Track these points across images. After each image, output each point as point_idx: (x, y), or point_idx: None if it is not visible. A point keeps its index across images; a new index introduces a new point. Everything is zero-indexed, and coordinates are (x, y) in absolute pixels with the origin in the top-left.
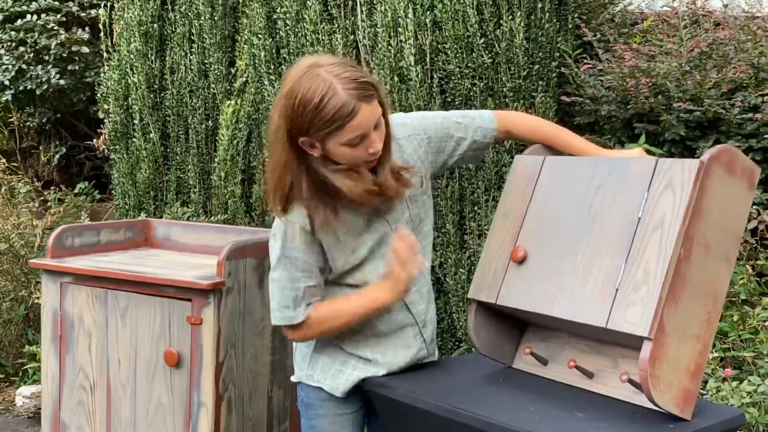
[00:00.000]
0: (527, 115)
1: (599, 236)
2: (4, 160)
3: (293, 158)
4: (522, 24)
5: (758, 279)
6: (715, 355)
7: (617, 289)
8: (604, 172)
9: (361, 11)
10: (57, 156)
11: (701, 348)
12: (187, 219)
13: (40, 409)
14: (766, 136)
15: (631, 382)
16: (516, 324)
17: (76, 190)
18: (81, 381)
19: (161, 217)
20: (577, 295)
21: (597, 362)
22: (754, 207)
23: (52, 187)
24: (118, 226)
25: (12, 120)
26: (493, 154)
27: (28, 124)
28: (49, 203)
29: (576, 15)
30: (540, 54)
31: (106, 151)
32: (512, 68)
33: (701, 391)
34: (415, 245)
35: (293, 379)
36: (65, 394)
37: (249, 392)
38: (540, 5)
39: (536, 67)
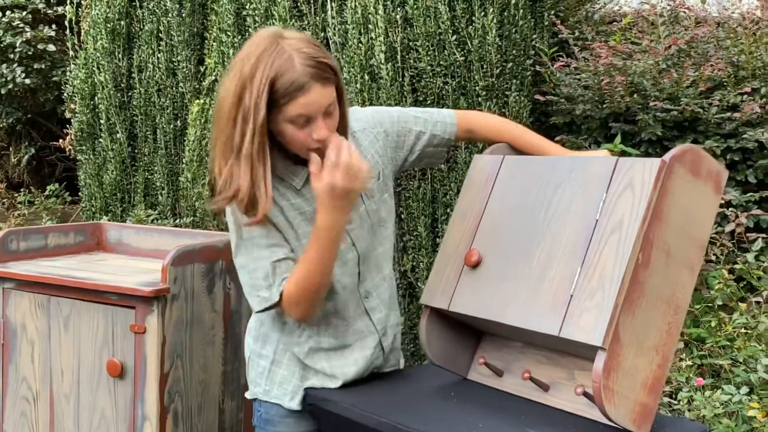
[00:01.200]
0: (490, 115)
1: (556, 239)
2: None
3: (261, 144)
4: (495, 21)
5: (737, 283)
6: (689, 363)
7: (572, 296)
8: (564, 172)
9: (332, 7)
10: (26, 157)
11: (660, 360)
12: (152, 222)
13: None
14: (744, 136)
15: (586, 395)
16: (472, 332)
17: (46, 192)
18: (24, 392)
19: (126, 220)
20: (531, 301)
21: (553, 374)
22: (731, 210)
23: (21, 189)
24: (67, 229)
25: None
26: (466, 154)
27: None
28: (19, 205)
29: (552, 12)
30: (514, 52)
31: (73, 152)
32: (485, 66)
33: (672, 401)
34: (354, 153)
35: (248, 396)
36: (8, 405)
37: (198, 404)
38: (514, 2)
39: (510, 65)
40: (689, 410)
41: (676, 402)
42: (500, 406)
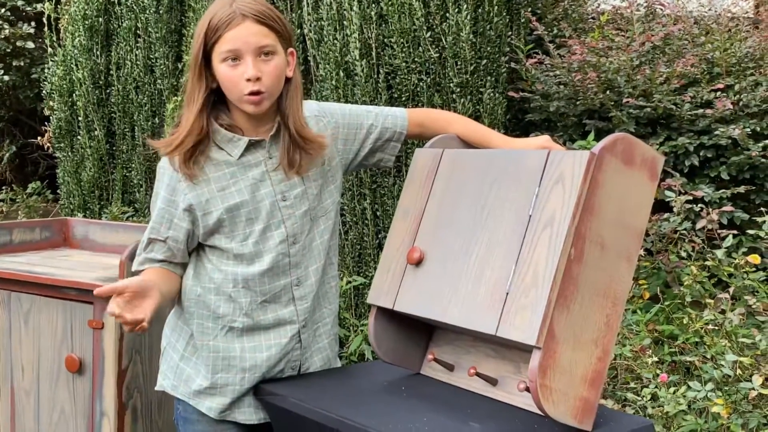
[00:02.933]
0: (440, 110)
1: (492, 236)
2: None
3: (197, 80)
4: (469, 17)
5: (709, 280)
6: (656, 359)
7: (507, 294)
8: (500, 166)
9: (307, 4)
10: (8, 155)
11: (600, 354)
12: (127, 219)
13: None
14: (717, 132)
15: (528, 390)
16: (423, 328)
17: (28, 190)
18: None
19: (103, 217)
20: (470, 300)
21: (501, 368)
22: (699, 205)
23: (3, 187)
24: (33, 225)
25: None
26: None
27: None
28: (1, 203)
29: (529, 10)
30: (488, 49)
31: (52, 149)
32: (459, 63)
33: (636, 397)
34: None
35: (157, 387)
36: None
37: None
38: None
39: (484, 62)
40: (652, 407)
41: (640, 398)
42: (448, 401)
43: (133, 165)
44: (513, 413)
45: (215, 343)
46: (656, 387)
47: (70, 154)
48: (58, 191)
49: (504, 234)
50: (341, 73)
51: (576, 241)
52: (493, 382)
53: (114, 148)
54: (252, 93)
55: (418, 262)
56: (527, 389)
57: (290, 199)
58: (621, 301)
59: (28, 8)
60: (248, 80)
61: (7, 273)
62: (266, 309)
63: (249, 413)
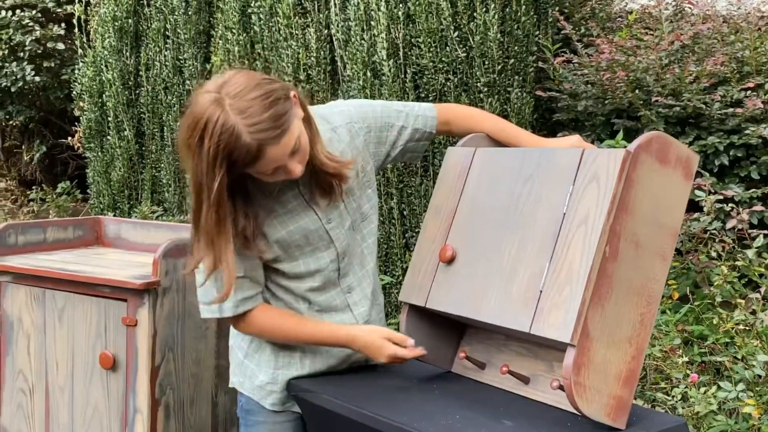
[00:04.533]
0: (467, 107)
1: (526, 234)
2: None
3: (219, 214)
4: (496, 17)
5: (739, 280)
6: (686, 359)
7: (541, 292)
8: (532, 164)
9: (335, 5)
10: (38, 155)
11: (634, 352)
12: (157, 218)
13: None
14: (747, 132)
15: (561, 388)
16: (455, 326)
17: (58, 190)
18: (20, 384)
19: (132, 217)
20: (503, 297)
21: (533, 366)
22: (729, 204)
23: (34, 187)
24: (66, 224)
25: None
26: None
27: (11, 123)
28: (31, 202)
29: (556, 9)
30: (516, 48)
31: (82, 149)
32: (486, 63)
33: (666, 397)
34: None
35: (230, 385)
36: (5, 397)
37: (190, 397)
38: None
39: (512, 61)
40: (683, 407)
41: (670, 398)
42: (480, 399)
43: (162, 165)
44: (545, 411)
45: (277, 345)
46: (686, 387)
47: (100, 154)
48: (88, 191)
49: (537, 232)
50: (368, 73)
51: (611, 239)
52: (525, 380)
53: (143, 148)
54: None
55: (451, 261)
56: (561, 387)
57: (334, 220)
58: (656, 300)
59: (59, 10)
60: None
61: (42, 271)
62: (323, 317)
63: None
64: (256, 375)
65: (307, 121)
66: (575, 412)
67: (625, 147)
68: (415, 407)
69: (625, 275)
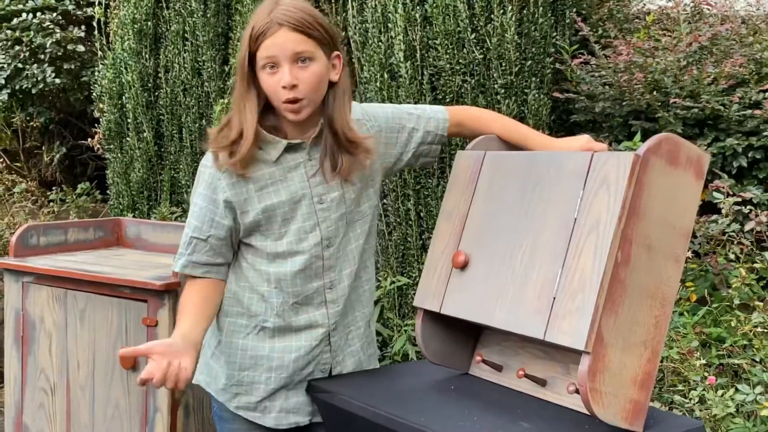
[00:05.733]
0: (480, 109)
1: (537, 239)
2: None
3: (246, 88)
4: (514, 19)
5: (758, 282)
6: (704, 362)
7: (554, 298)
8: (542, 168)
9: (352, 7)
10: (58, 156)
11: (650, 355)
12: (176, 219)
13: None
14: (766, 133)
15: (578, 392)
16: (469, 329)
17: (77, 190)
18: (42, 383)
19: (152, 218)
20: (517, 304)
21: (550, 369)
22: (748, 207)
23: (54, 188)
24: (87, 225)
25: (14, 120)
26: None
27: (31, 124)
28: (51, 203)
29: (574, 10)
30: (533, 50)
31: (101, 150)
32: (503, 64)
33: (683, 399)
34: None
35: (193, 381)
36: (27, 396)
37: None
38: None
39: (529, 63)
40: (700, 409)
41: (687, 401)
42: (497, 401)
43: (181, 166)
44: (562, 413)
45: (245, 341)
46: (704, 390)
47: (119, 155)
48: (107, 192)
49: (549, 237)
50: (385, 75)
51: (622, 244)
52: (542, 383)
53: (162, 149)
54: (289, 101)
55: (463, 266)
56: (577, 391)
57: (327, 203)
58: (670, 302)
59: (79, 12)
60: (284, 87)
61: (63, 271)
62: (298, 311)
63: (278, 418)
64: (220, 377)
65: (339, 85)
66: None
67: None
68: (433, 408)
69: (638, 279)
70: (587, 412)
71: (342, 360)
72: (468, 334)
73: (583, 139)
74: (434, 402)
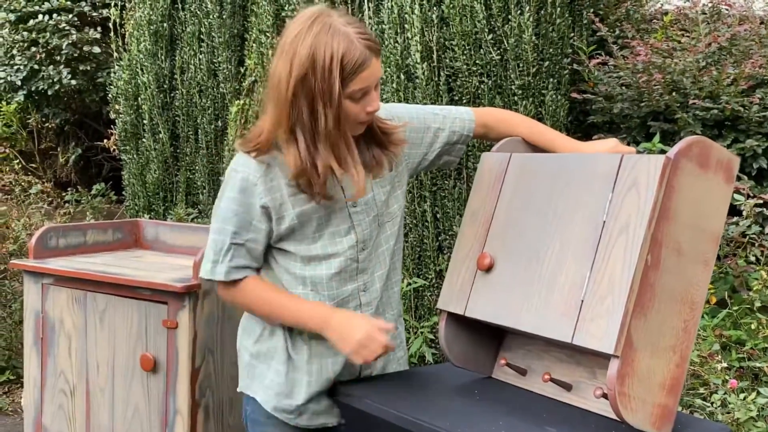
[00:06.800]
0: (503, 110)
1: (564, 242)
2: (19, 160)
3: (290, 114)
4: (531, 19)
5: None
6: (725, 365)
7: (582, 301)
8: (569, 170)
9: (368, 7)
10: (73, 157)
11: (678, 360)
12: (192, 220)
13: None
14: None
15: (605, 396)
16: (493, 332)
17: (92, 191)
18: (61, 385)
19: (167, 218)
20: (544, 307)
21: (575, 373)
22: None
23: (69, 189)
24: (105, 226)
25: (30, 121)
26: None
27: (46, 125)
28: (66, 204)
29: (591, 11)
30: (551, 50)
31: (117, 151)
32: (521, 65)
33: (706, 404)
34: (386, 346)
35: (239, 389)
36: (46, 398)
37: (230, 399)
38: (551, 0)
39: (546, 63)
40: (722, 413)
41: (709, 404)
42: (523, 405)
43: (197, 167)
44: (589, 418)
45: (284, 344)
46: (725, 393)
47: (135, 156)
48: (123, 193)
49: (576, 239)
50: (402, 76)
51: (652, 247)
52: (567, 387)
53: (178, 150)
54: (366, 121)
55: (489, 268)
56: (604, 396)
57: (360, 205)
58: (699, 306)
59: (95, 14)
60: (369, 113)
61: (83, 273)
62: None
63: (310, 418)
64: (263, 378)
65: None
66: (617, 419)
67: (661, 150)
68: (457, 412)
69: (668, 283)
70: (614, 417)
71: (372, 363)
72: (491, 337)
73: (611, 143)
74: (458, 406)
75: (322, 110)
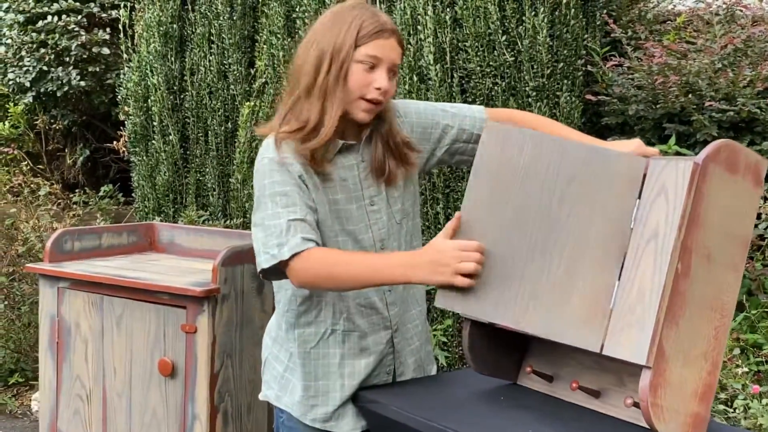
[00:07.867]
0: (524, 112)
1: (580, 241)
2: (27, 162)
3: (339, 76)
4: (545, 20)
5: None
6: (746, 369)
7: (612, 310)
8: (578, 162)
9: (381, 8)
10: (81, 158)
11: (710, 367)
12: (203, 222)
13: None
14: None
15: (636, 405)
16: (518, 338)
17: (100, 193)
18: (77, 390)
19: (178, 221)
20: (560, 311)
21: (603, 380)
22: None
23: (76, 190)
24: (120, 229)
25: (37, 122)
26: None
27: (54, 126)
28: (74, 205)
29: (605, 12)
30: (565, 52)
31: (126, 153)
32: (535, 67)
33: (728, 410)
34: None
35: (261, 397)
36: (62, 403)
37: (248, 404)
38: (565, 1)
39: (561, 65)
40: (745, 418)
41: (732, 410)
42: (550, 412)
43: (207, 169)
44: (618, 427)
45: (316, 350)
46: (745, 398)
47: (144, 158)
48: (131, 194)
49: (595, 242)
50: (415, 78)
51: (682, 255)
52: (595, 394)
53: (188, 152)
54: (373, 101)
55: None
56: (636, 405)
57: (377, 204)
58: (729, 312)
59: (104, 15)
60: (377, 89)
61: (100, 277)
62: (362, 313)
63: (351, 423)
64: (297, 389)
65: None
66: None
67: (677, 152)
68: (484, 419)
69: (698, 290)
70: (645, 425)
71: (404, 360)
72: (516, 344)
73: (635, 143)
74: (485, 412)
75: (327, 63)
